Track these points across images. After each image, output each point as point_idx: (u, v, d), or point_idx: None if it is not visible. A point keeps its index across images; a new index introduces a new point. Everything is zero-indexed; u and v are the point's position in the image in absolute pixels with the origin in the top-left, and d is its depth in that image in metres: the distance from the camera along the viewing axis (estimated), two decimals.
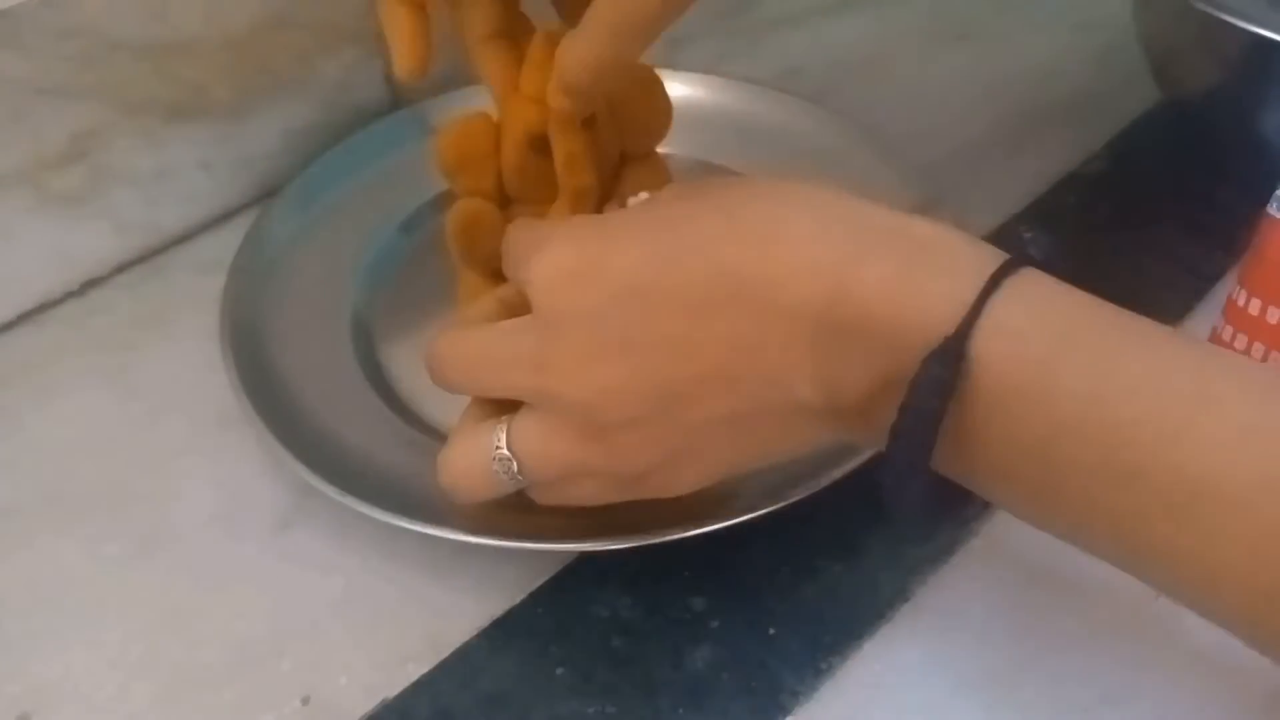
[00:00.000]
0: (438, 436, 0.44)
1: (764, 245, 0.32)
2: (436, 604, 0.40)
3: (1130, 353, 0.30)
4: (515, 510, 0.41)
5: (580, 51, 0.37)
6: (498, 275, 0.46)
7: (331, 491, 0.40)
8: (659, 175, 0.45)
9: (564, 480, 0.36)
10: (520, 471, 0.35)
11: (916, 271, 0.31)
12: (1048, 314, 0.30)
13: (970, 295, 0.30)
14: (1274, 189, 0.40)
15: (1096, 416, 0.29)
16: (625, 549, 0.38)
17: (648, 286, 0.33)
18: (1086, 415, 0.29)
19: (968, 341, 0.29)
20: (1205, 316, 0.46)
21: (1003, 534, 0.41)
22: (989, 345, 0.29)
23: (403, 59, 0.41)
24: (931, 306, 0.30)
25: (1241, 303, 0.41)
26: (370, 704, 0.37)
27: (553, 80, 0.38)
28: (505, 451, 0.35)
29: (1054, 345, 0.30)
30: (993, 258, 0.31)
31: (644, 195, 0.43)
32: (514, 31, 0.43)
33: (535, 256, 0.34)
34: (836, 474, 0.40)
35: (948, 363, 0.29)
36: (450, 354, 0.37)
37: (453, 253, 0.45)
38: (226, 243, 0.51)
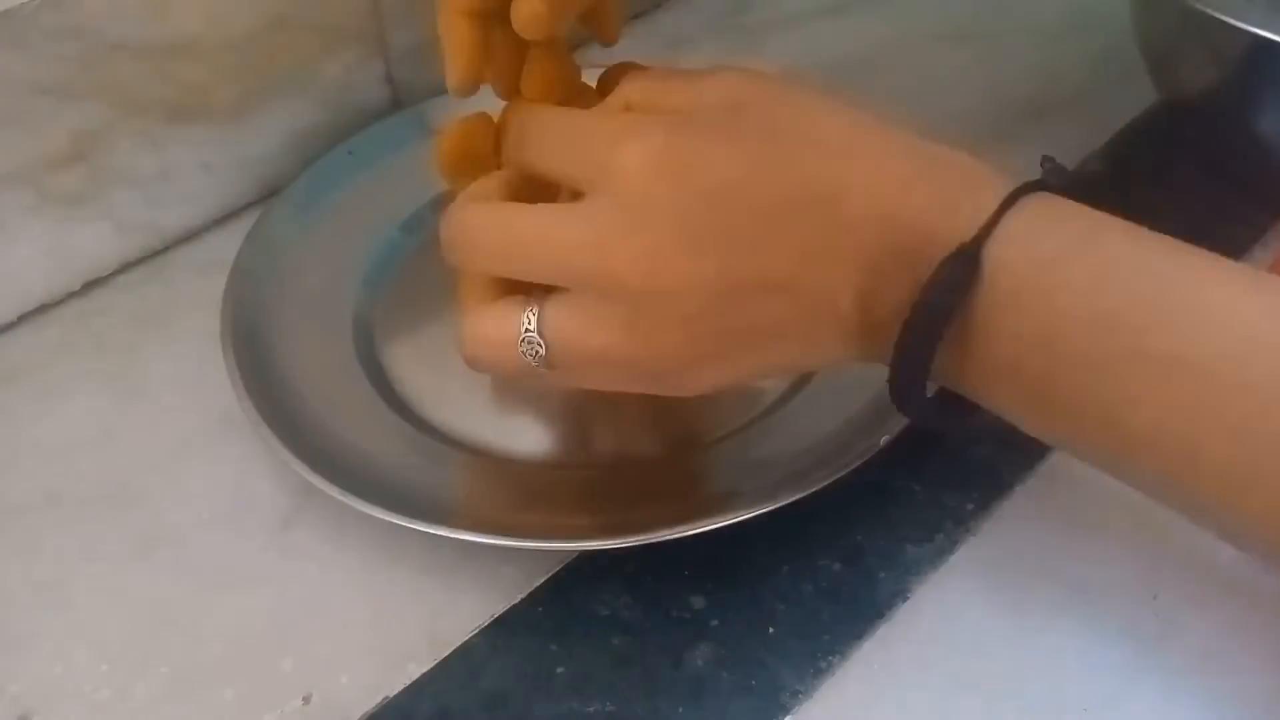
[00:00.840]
0: (439, 436, 0.44)
1: (840, 160, 0.34)
2: (437, 603, 0.40)
3: (1131, 250, 0.32)
4: (516, 509, 0.41)
5: None
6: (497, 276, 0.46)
7: (332, 491, 0.40)
8: None
9: (585, 366, 0.36)
10: (548, 356, 0.35)
11: (953, 193, 0.33)
12: (1058, 223, 0.33)
13: (991, 210, 0.33)
14: (1272, 190, 0.40)
15: (1093, 305, 0.31)
16: (625, 548, 0.39)
17: (735, 187, 0.33)
18: (1084, 304, 0.31)
19: (983, 247, 0.32)
20: None
21: (1002, 533, 0.41)
22: (1002, 250, 0.32)
23: (458, 71, 0.40)
24: (958, 222, 0.33)
25: None
26: (371, 703, 0.37)
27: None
28: (536, 335, 0.35)
29: (1061, 247, 0.32)
30: (1015, 181, 0.34)
31: None
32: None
33: (624, 142, 0.34)
34: (837, 473, 0.40)
35: (962, 265, 0.32)
36: (487, 228, 0.36)
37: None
38: (228, 243, 0.51)
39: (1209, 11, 0.45)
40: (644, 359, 0.35)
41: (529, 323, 0.35)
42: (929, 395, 0.35)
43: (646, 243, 0.33)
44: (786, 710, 0.37)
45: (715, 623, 0.39)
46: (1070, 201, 0.34)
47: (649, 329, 0.34)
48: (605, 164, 0.34)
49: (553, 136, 0.38)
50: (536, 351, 0.35)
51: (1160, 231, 0.33)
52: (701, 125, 0.35)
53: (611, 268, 0.34)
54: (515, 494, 0.42)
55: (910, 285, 0.33)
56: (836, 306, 0.34)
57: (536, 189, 0.39)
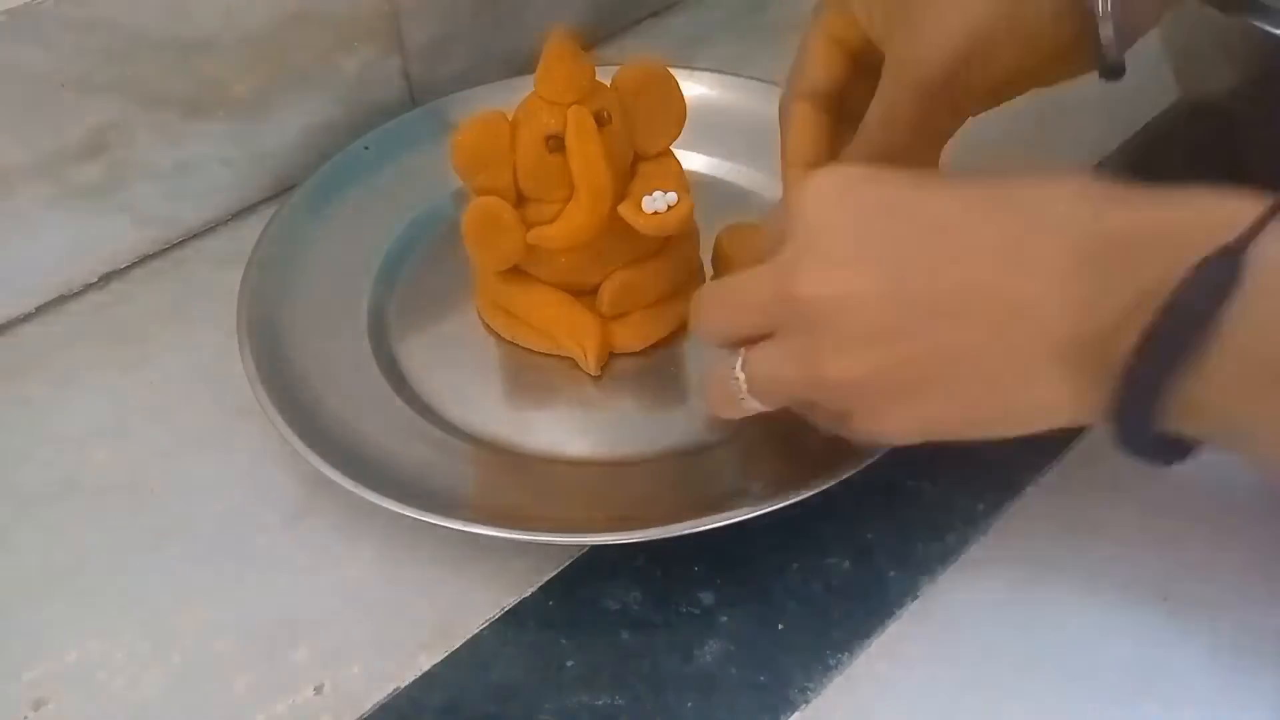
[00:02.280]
0: (451, 430, 0.44)
1: (1028, 179, 0.33)
2: (448, 595, 0.40)
3: None
4: (527, 503, 0.41)
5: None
6: (511, 272, 0.46)
7: (345, 483, 0.40)
8: (673, 174, 0.45)
9: (779, 400, 0.37)
10: (749, 393, 0.36)
11: (1184, 198, 0.31)
12: None
13: (1250, 212, 0.29)
14: None
15: None
16: (636, 543, 0.39)
17: (910, 202, 0.33)
18: None
19: (1248, 246, 0.28)
20: None
21: (1013, 534, 0.41)
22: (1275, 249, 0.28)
23: (796, 158, 0.42)
24: (1208, 216, 0.30)
25: None
26: (382, 693, 0.38)
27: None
28: (739, 373, 0.36)
29: None
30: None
31: (658, 195, 0.44)
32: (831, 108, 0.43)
33: (802, 184, 0.35)
34: (848, 472, 0.40)
35: (1224, 265, 0.28)
36: (705, 300, 0.38)
37: (468, 249, 0.45)
38: (245, 237, 0.51)
39: (1239, 17, 0.45)
40: (829, 392, 0.34)
41: (736, 363, 0.36)
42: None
43: (821, 256, 0.33)
44: (795, 707, 0.37)
45: (725, 619, 0.39)
46: None
47: (828, 354, 0.33)
48: (790, 205, 0.35)
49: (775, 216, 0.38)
50: (739, 388, 0.36)
51: None
52: (881, 169, 0.35)
53: (788, 288, 0.34)
54: (526, 488, 0.42)
55: (1145, 278, 0.29)
56: (1038, 324, 0.31)
57: None
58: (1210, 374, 0.29)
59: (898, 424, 0.34)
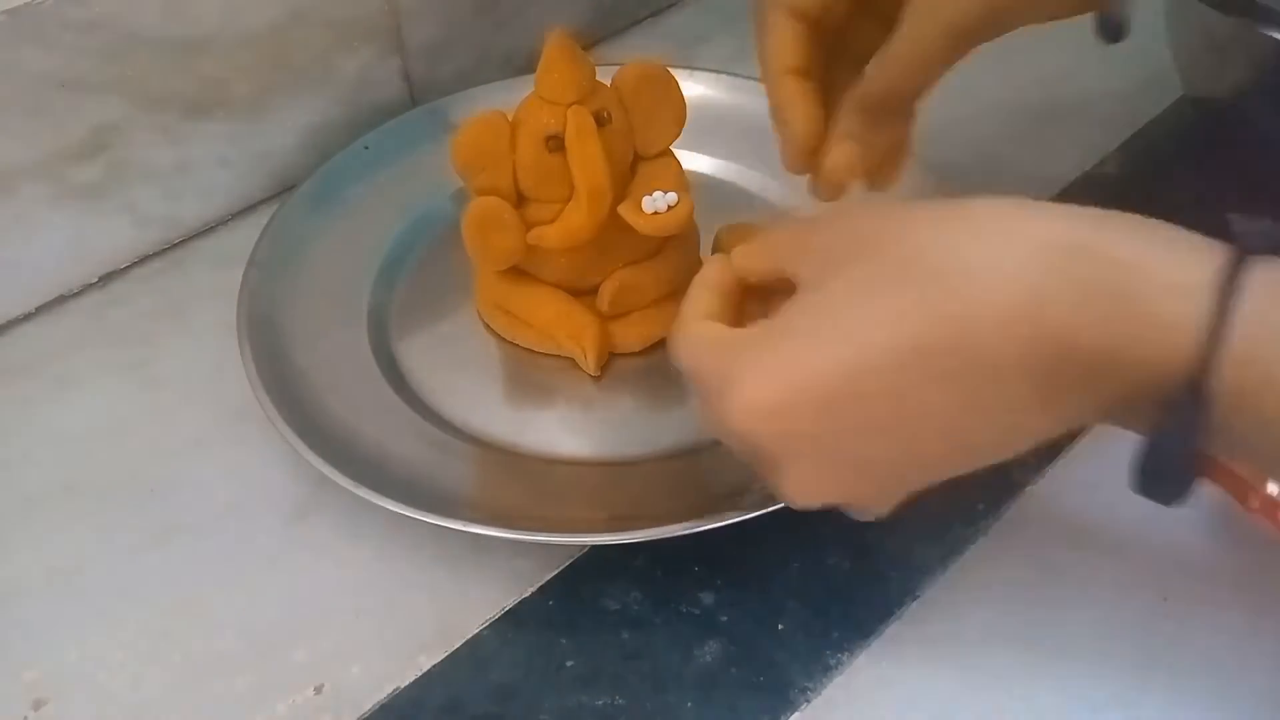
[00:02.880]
0: (451, 430, 0.44)
1: (953, 304, 0.30)
2: (448, 595, 0.40)
3: None
4: (527, 503, 0.41)
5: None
6: (511, 272, 0.47)
7: (346, 483, 0.40)
8: (673, 174, 0.45)
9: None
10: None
11: (1127, 303, 0.29)
12: None
13: (1197, 313, 0.28)
14: None
15: None
16: (636, 542, 0.39)
17: (849, 396, 0.31)
18: None
19: (1209, 370, 0.28)
20: None
21: (1012, 534, 0.41)
22: (1238, 374, 0.28)
23: (795, 140, 0.41)
24: (1156, 332, 0.29)
25: None
26: (382, 693, 0.38)
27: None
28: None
29: None
30: (1206, 258, 0.29)
31: (658, 195, 0.44)
32: (816, 70, 0.42)
33: (729, 395, 0.32)
34: None
35: (1195, 402, 0.28)
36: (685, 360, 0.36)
37: (468, 249, 0.45)
38: (245, 237, 0.51)
39: (1246, 22, 0.45)
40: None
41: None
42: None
43: (801, 475, 0.33)
44: (795, 707, 0.37)
45: (724, 619, 0.39)
46: None
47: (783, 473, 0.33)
48: (725, 415, 0.33)
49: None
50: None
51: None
52: (793, 335, 0.32)
53: (786, 490, 0.34)
54: (526, 488, 0.42)
55: (1110, 394, 0.30)
56: (1028, 427, 0.31)
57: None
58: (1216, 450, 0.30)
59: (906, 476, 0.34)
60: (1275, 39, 0.44)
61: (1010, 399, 0.30)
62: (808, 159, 0.41)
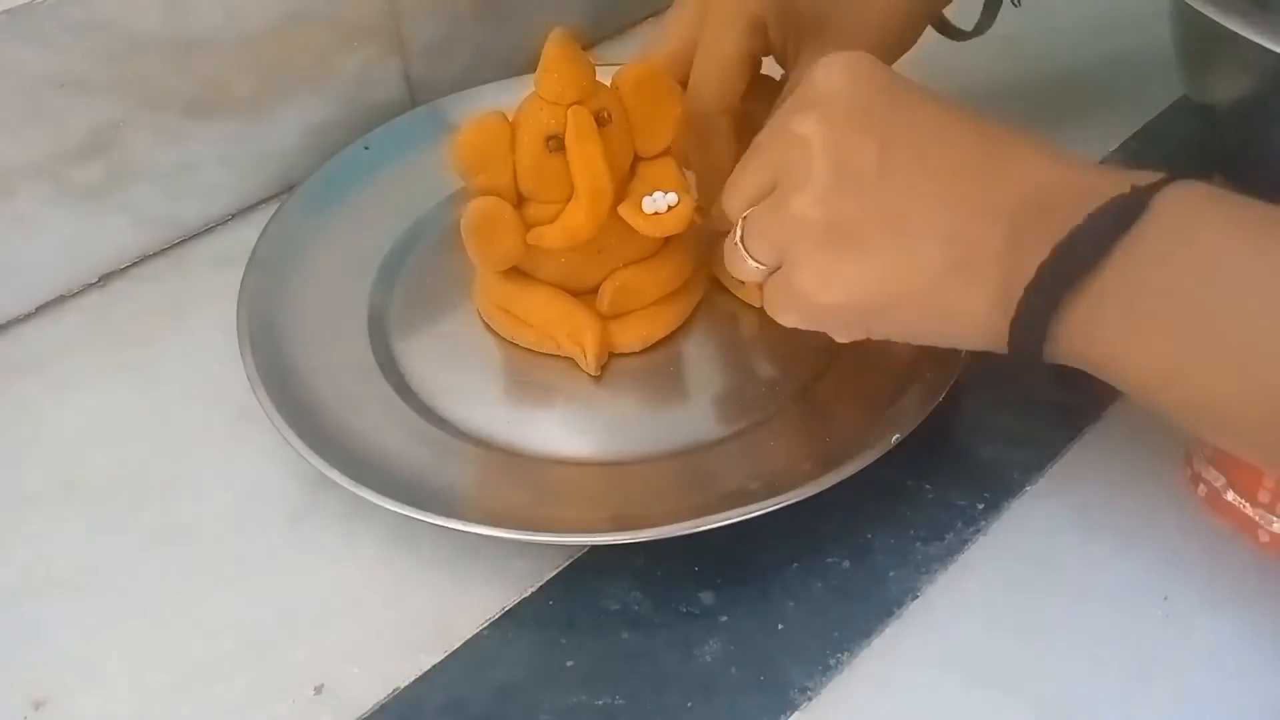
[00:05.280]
0: (451, 430, 0.44)
1: (997, 159, 0.36)
2: (448, 595, 0.40)
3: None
4: (527, 503, 0.41)
5: None
6: (511, 272, 0.47)
7: (345, 483, 0.40)
8: (673, 174, 0.45)
9: (771, 259, 0.39)
10: (745, 247, 0.39)
11: (1103, 171, 0.35)
12: (1222, 200, 0.33)
13: (1152, 178, 0.33)
14: None
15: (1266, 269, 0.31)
16: (636, 542, 0.39)
17: (909, 93, 0.37)
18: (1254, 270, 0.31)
19: (1161, 190, 0.32)
20: None
21: (1013, 533, 0.41)
22: (1172, 205, 0.32)
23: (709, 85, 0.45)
24: (1132, 177, 0.33)
25: None
26: (382, 693, 0.38)
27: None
28: (739, 232, 0.39)
29: (1229, 218, 0.32)
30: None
31: (658, 195, 0.44)
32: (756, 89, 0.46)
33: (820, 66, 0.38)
34: (848, 472, 0.40)
35: (1135, 202, 0.32)
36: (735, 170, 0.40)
37: (468, 250, 0.45)
38: (245, 237, 0.51)
39: (1247, 34, 0.45)
40: (786, 232, 0.37)
41: (740, 230, 0.39)
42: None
43: (813, 105, 0.37)
44: (795, 707, 0.37)
45: (725, 619, 0.39)
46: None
47: (797, 190, 0.36)
48: (807, 79, 0.38)
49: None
50: (739, 246, 0.39)
51: None
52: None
53: (782, 123, 0.37)
54: (526, 488, 0.42)
55: (1060, 229, 0.33)
56: (978, 243, 0.35)
57: None
58: (1103, 295, 0.32)
59: (829, 282, 0.36)
60: (1275, 39, 0.44)
61: (994, 214, 0.35)
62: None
